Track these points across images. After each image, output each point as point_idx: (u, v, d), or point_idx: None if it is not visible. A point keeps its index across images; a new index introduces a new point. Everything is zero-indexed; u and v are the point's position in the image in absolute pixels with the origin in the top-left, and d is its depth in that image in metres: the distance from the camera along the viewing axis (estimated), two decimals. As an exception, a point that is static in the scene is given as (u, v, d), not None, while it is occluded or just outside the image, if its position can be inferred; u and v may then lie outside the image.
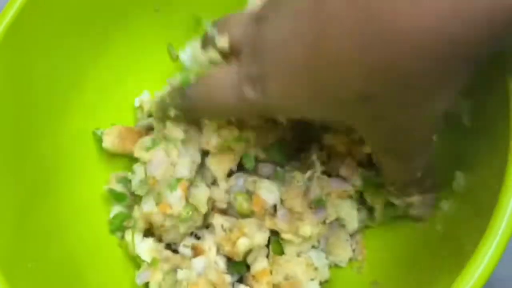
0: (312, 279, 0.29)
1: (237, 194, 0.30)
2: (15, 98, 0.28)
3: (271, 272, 0.30)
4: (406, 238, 0.30)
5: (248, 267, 0.30)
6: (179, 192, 0.29)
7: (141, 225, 0.30)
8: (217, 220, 0.30)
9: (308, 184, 0.30)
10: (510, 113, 0.22)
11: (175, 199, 0.29)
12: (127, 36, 0.33)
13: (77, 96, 0.32)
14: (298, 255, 0.30)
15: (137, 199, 0.31)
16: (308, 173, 0.30)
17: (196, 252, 0.30)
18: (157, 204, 0.29)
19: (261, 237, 0.29)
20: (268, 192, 0.29)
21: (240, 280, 0.31)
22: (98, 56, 0.33)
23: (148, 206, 0.30)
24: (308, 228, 0.29)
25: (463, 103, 0.27)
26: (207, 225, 0.31)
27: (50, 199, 0.29)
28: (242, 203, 0.30)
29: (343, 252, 0.31)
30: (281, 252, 0.30)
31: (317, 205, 0.29)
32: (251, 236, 0.29)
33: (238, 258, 0.29)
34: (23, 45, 0.28)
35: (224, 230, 0.30)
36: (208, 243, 0.30)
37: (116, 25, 0.33)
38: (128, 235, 0.31)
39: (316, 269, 0.29)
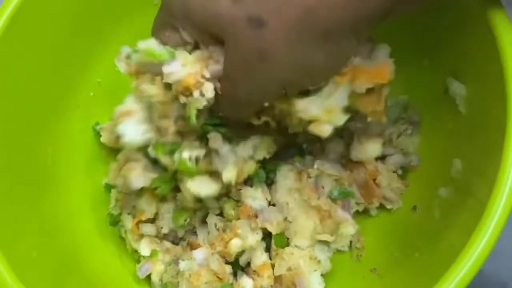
0: (315, 270, 0.29)
1: (224, 202, 0.30)
2: (14, 95, 0.28)
3: (273, 266, 0.30)
4: (404, 225, 0.30)
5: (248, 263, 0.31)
6: None
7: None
8: (211, 219, 0.31)
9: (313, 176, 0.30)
10: (506, 101, 0.22)
11: None
12: (126, 30, 0.33)
13: (76, 92, 0.32)
14: (303, 248, 0.30)
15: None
16: (317, 163, 0.30)
17: (192, 247, 0.31)
18: None
19: (254, 239, 0.29)
20: (253, 199, 0.30)
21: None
22: (97, 51, 0.33)
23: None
24: (350, 228, 0.29)
25: (459, 91, 0.27)
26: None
27: (51, 193, 0.30)
28: (229, 211, 0.30)
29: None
30: (285, 245, 0.30)
31: (345, 196, 0.30)
32: (243, 237, 0.29)
33: (229, 258, 0.29)
34: (21, 43, 0.28)
35: (218, 230, 0.30)
36: (202, 239, 0.31)
37: (115, 20, 0.33)
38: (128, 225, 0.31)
39: (319, 261, 0.29)
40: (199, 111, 0.23)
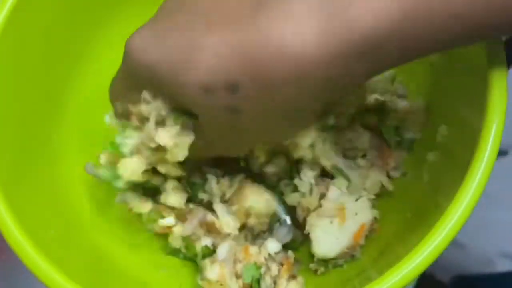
0: None
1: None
2: (14, 90, 0.29)
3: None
4: (397, 186, 0.32)
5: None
6: None
7: None
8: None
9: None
10: (487, 70, 0.23)
11: None
12: (122, 20, 0.34)
13: (75, 81, 0.34)
14: None
15: None
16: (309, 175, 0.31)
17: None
18: None
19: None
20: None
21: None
22: (95, 41, 0.34)
23: None
24: None
25: (438, 61, 0.28)
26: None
27: (60, 177, 0.32)
28: None
29: None
30: None
31: None
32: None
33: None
34: (19, 38, 0.28)
35: None
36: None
37: (109, 12, 0.33)
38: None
39: None
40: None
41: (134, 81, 0.23)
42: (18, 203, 0.26)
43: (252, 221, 0.30)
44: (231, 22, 0.20)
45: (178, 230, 0.31)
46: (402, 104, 0.31)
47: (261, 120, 0.22)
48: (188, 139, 0.24)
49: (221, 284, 0.29)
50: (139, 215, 0.32)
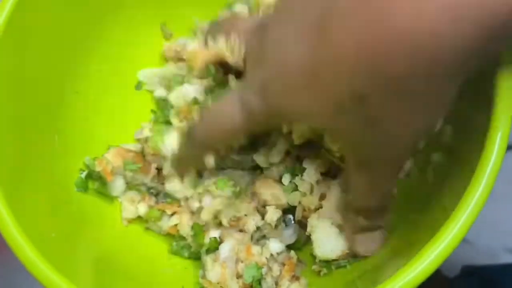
0: None
1: None
2: (16, 91, 0.29)
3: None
4: (401, 187, 0.31)
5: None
6: None
7: None
8: None
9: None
10: (493, 67, 0.23)
11: None
12: (121, 19, 0.34)
13: (77, 78, 0.33)
14: None
15: None
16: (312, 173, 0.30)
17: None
18: None
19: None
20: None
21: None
22: (98, 38, 0.34)
23: None
24: None
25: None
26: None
27: (61, 177, 0.31)
28: None
29: None
30: None
31: None
32: None
33: None
34: (21, 38, 0.28)
35: None
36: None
37: (110, 10, 0.33)
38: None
39: None
40: None
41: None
42: (19, 205, 0.26)
43: (268, 216, 0.30)
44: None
45: (188, 218, 0.31)
46: None
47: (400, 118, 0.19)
48: None
49: (221, 286, 0.28)
50: (142, 215, 0.32)
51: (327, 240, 0.29)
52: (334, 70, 0.19)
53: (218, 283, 0.28)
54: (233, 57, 0.26)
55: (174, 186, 0.31)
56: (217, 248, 0.30)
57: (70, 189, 0.32)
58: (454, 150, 0.28)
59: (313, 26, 0.19)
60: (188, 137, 0.28)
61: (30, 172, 0.29)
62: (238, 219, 0.31)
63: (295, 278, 0.29)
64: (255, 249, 0.30)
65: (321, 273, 0.30)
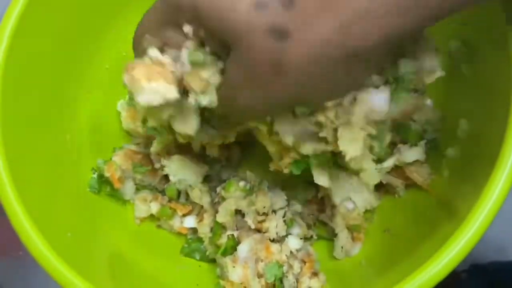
0: None
1: None
2: (26, 92, 0.29)
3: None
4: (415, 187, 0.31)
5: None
6: None
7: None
8: None
9: None
10: (510, 64, 0.22)
11: None
12: (131, 19, 0.33)
13: (85, 78, 0.33)
14: None
15: None
16: None
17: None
18: None
19: None
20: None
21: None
22: (105, 37, 0.34)
23: None
24: None
25: (460, 52, 0.28)
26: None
27: (75, 177, 0.31)
28: None
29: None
30: None
31: None
32: None
33: None
34: (31, 40, 0.28)
35: None
36: None
37: (120, 10, 0.34)
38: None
39: None
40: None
41: (172, 14, 0.21)
42: (35, 206, 0.26)
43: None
44: None
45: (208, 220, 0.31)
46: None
47: (311, 58, 0.19)
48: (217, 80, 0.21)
49: (244, 286, 0.28)
50: (154, 213, 0.32)
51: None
52: None
53: (241, 283, 0.28)
54: None
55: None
56: (235, 249, 0.29)
57: (83, 189, 0.31)
58: (470, 143, 0.27)
59: None
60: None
61: (44, 172, 0.28)
62: (262, 221, 0.30)
63: (313, 274, 0.29)
64: (274, 247, 0.29)
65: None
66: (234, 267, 0.28)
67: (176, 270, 0.31)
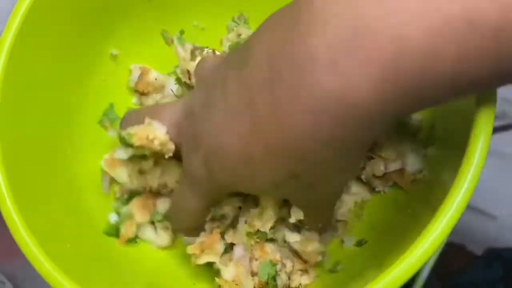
0: None
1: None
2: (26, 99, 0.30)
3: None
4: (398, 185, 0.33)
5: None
6: None
7: None
8: None
9: None
10: None
11: None
12: (128, 27, 0.36)
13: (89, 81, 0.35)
14: None
15: None
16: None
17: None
18: None
19: None
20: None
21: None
22: (110, 35, 0.35)
23: None
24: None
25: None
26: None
27: (76, 189, 0.33)
28: None
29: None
30: None
31: None
32: None
33: None
34: (33, 45, 0.30)
35: None
36: None
37: (117, 19, 0.35)
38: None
39: None
40: None
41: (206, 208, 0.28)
42: (33, 217, 0.27)
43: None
44: None
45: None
46: None
47: (319, 176, 0.23)
48: None
49: (236, 284, 0.29)
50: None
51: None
52: (267, 158, 0.22)
53: (233, 281, 0.29)
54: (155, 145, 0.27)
55: None
56: (231, 247, 0.31)
57: (83, 200, 0.33)
58: (445, 143, 0.29)
59: (241, 112, 0.22)
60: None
61: (43, 181, 0.30)
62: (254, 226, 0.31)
63: (304, 271, 0.30)
64: (269, 246, 0.30)
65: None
66: (227, 266, 0.29)
67: (174, 270, 0.33)
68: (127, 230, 0.32)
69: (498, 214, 0.36)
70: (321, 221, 0.29)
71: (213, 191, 0.26)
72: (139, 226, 0.33)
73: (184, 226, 0.30)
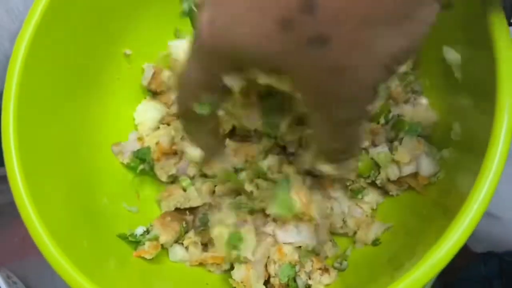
0: None
1: None
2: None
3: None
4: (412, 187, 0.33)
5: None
6: None
7: None
8: None
9: None
10: (496, 68, 0.24)
11: None
12: (141, 27, 0.36)
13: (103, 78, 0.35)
14: None
15: None
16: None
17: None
18: None
19: None
20: None
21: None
22: (125, 29, 0.36)
23: None
24: None
25: (454, 59, 0.29)
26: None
27: (94, 187, 0.33)
28: None
29: None
30: None
31: None
32: None
33: None
34: (52, 39, 0.30)
35: None
36: None
37: (131, 19, 0.35)
38: None
39: None
40: None
41: (209, 73, 0.22)
42: (51, 216, 0.27)
43: None
44: None
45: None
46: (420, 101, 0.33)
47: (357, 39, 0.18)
48: None
49: (245, 286, 0.29)
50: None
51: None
52: None
53: (241, 283, 0.29)
54: None
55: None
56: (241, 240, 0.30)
57: (99, 199, 0.33)
58: (462, 145, 0.29)
59: None
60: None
61: (61, 180, 0.30)
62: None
63: (325, 270, 0.30)
64: (286, 248, 0.30)
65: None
66: (239, 266, 0.30)
67: (188, 268, 0.33)
68: (150, 249, 0.32)
69: (502, 215, 0.36)
70: (341, 131, 0.23)
71: (212, 57, 0.22)
72: (166, 247, 0.32)
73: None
